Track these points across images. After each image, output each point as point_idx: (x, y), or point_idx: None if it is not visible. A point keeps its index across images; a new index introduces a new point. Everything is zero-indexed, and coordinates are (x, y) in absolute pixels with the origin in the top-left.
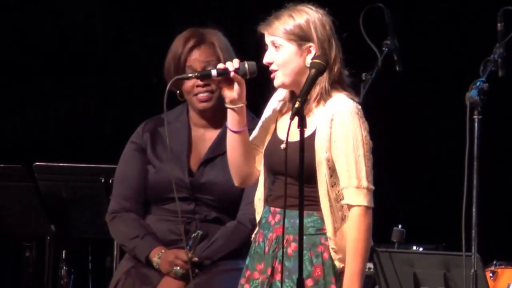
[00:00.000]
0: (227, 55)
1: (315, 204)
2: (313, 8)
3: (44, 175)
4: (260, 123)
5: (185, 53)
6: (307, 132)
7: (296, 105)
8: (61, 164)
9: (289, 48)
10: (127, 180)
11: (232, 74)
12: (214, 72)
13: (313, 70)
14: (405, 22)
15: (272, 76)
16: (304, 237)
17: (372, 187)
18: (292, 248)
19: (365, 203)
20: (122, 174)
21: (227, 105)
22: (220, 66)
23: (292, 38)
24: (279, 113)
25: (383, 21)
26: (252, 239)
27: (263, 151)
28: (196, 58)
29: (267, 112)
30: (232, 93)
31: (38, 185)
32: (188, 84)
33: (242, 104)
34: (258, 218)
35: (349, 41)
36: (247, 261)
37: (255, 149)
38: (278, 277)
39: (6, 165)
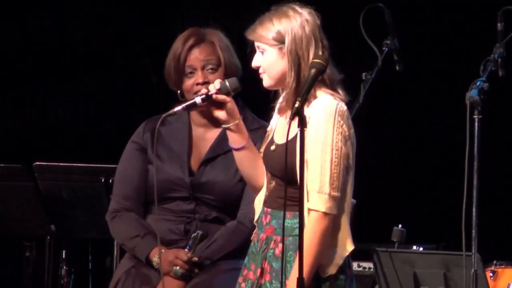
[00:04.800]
0: (228, 54)
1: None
2: (297, 8)
3: (44, 175)
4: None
5: (184, 52)
6: (291, 135)
7: (296, 105)
8: (61, 164)
9: (272, 53)
10: (127, 179)
11: (214, 96)
12: (198, 100)
13: (313, 70)
14: (405, 22)
15: (260, 77)
16: (290, 238)
17: (336, 194)
18: (279, 248)
19: (323, 209)
20: (123, 173)
21: (223, 126)
22: (203, 91)
23: (272, 43)
24: (279, 115)
25: (383, 21)
26: (251, 239)
27: None
28: (196, 56)
29: (273, 117)
30: (222, 113)
31: (38, 184)
32: (188, 83)
33: (237, 121)
34: (255, 218)
35: (349, 41)
36: (245, 260)
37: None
38: (267, 277)
39: (6, 165)
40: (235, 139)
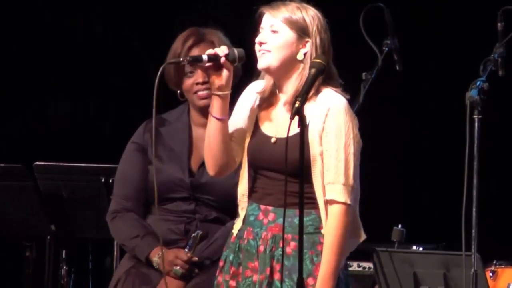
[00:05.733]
0: None
1: (312, 202)
2: (317, 11)
3: (44, 175)
4: (236, 115)
5: (184, 52)
6: (296, 129)
7: (296, 105)
8: (61, 164)
9: (288, 35)
10: (127, 180)
11: (223, 59)
12: (204, 57)
13: (313, 70)
14: (405, 21)
15: (260, 56)
16: (304, 235)
17: (356, 186)
18: (291, 247)
19: (349, 201)
20: (123, 174)
21: (214, 92)
22: (210, 51)
23: (294, 27)
24: (260, 107)
25: (383, 21)
26: (234, 235)
27: (241, 143)
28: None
29: (245, 104)
30: (220, 80)
31: (38, 184)
32: (188, 82)
33: (228, 92)
34: (242, 214)
35: (349, 41)
36: (230, 257)
37: (232, 140)
38: (277, 276)
39: (6, 165)
40: (220, 109)
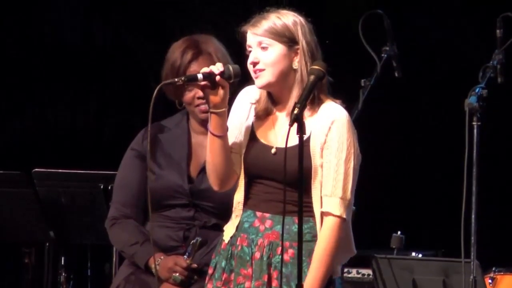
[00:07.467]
0: (225, 62)
1: (310, 210)
2: (296, 13)
3: (43, 182)
4: (232, 125)
5: (184, 66)
6: (296, 139)
7: (296, 111)
8: (60, 171)
9: (279, 49)
10: (127, 186)
11: (218, 77)
12: (200, 76)
13: (312, 76)
14: (404, 28)
15: (256, 76)
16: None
17: (352, 200)
18: (289, 254)
19: (344, 215)
20: (122, 180)
21: (211, 110)
22: (205, 69)
23: (282, 40)
24: (255, 116)
25: (382, 27)
26: (226, 241)
27: (240, 153)
28: (195, 70)
29: (239, 113)
30: (216, 97)
31: (37, 191)
32: (189, 96)
33: (225, 108)
34: (237, 221)
35: (348, 47)
36: (222, 264)
37: (232, 151)
38: (274, 283)
39: (5, 172)
40: (218, 126)
